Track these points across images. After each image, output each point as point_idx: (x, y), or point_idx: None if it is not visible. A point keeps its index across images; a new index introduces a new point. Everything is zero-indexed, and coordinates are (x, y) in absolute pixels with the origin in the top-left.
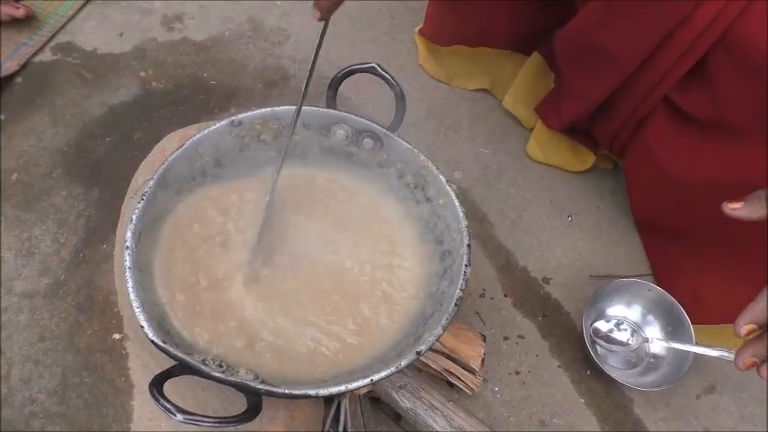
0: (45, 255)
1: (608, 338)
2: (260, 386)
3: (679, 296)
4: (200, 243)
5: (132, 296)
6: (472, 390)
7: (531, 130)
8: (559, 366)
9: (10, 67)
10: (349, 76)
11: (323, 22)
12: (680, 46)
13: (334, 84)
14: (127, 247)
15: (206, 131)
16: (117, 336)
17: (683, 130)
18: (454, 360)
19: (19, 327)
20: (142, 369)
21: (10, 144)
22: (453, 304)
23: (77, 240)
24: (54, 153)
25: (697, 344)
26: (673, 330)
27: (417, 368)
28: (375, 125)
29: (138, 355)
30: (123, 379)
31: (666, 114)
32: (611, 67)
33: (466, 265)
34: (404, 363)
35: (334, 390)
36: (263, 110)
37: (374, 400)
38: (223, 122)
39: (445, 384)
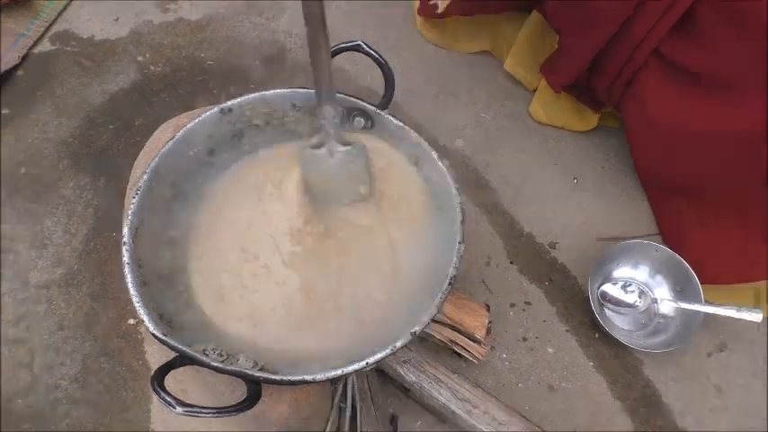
0: (57, 245)
1: (616, 301)
2: (258, 374)
3: (687, 256)
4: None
5: (132, 291)
6: (478, 359)
7: (534, 91)
8: (567, 331)
9: (11, 59)
10: (335, 55)
11: None
12: None
13: None
14: (124, 243)
15: (196, 121)
16: (132, 321)
17: (675, 83)
18: (459, 331)
19: (38, 317)
20: (158, 352)
21: (17, 137)
22: (447, 283)
23: (87, 230)
24: (59, 144)
25: (706, 302)
26: (682, 290)
27: (422, 338)
28: (365, 104)
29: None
30: (140, 362)
31: (658, 67)
32: (600, 21)
33: (459, 243)
34: (399, 344)
35: (330, 374)
36: (251, 95)
37: (382, 373)
38: (213, 110)
39: (452, 354)
